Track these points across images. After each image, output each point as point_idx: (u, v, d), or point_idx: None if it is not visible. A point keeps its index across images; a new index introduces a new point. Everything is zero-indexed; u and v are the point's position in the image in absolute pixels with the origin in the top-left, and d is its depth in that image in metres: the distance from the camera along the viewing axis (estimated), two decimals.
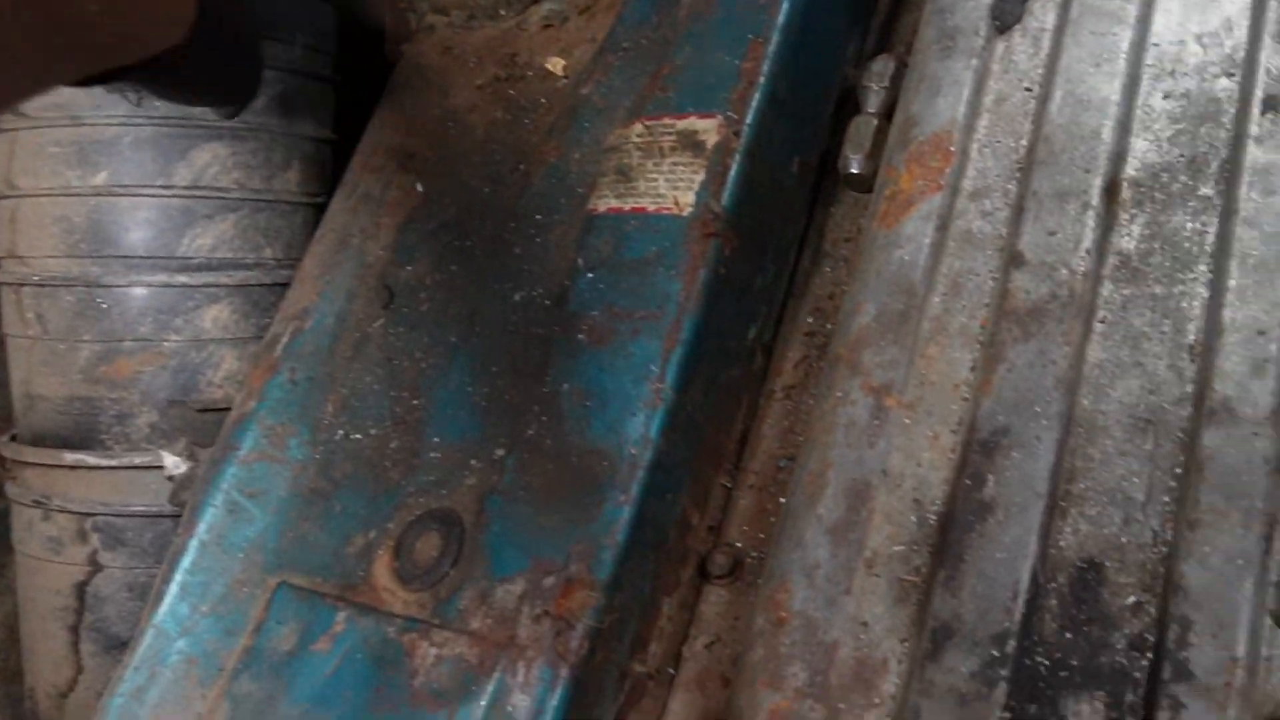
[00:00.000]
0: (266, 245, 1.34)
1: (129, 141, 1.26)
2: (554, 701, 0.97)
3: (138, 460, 1.29)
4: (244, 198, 1.31)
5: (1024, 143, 1.08)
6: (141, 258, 1.28)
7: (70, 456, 1.29)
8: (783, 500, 1.10)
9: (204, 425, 1.26)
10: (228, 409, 1.25)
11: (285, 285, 1.31)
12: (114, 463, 1.29)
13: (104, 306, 1.28)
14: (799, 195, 1.23)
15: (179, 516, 1.21)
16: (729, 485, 1.16)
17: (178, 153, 1.27)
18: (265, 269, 1.33)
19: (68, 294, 1.28)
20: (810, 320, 1.22)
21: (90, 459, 1.29)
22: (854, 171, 1.19)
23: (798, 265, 1.25)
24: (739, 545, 1.13)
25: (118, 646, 1.32)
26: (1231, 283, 0.96)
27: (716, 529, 1.14)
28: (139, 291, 1.28)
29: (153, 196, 1.27)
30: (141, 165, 1.27)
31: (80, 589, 1.33)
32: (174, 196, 1.28)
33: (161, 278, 1.28)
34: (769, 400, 1.20)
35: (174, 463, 1.24)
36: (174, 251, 1.28)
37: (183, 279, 1.28)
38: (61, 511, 1.32)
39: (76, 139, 1.27)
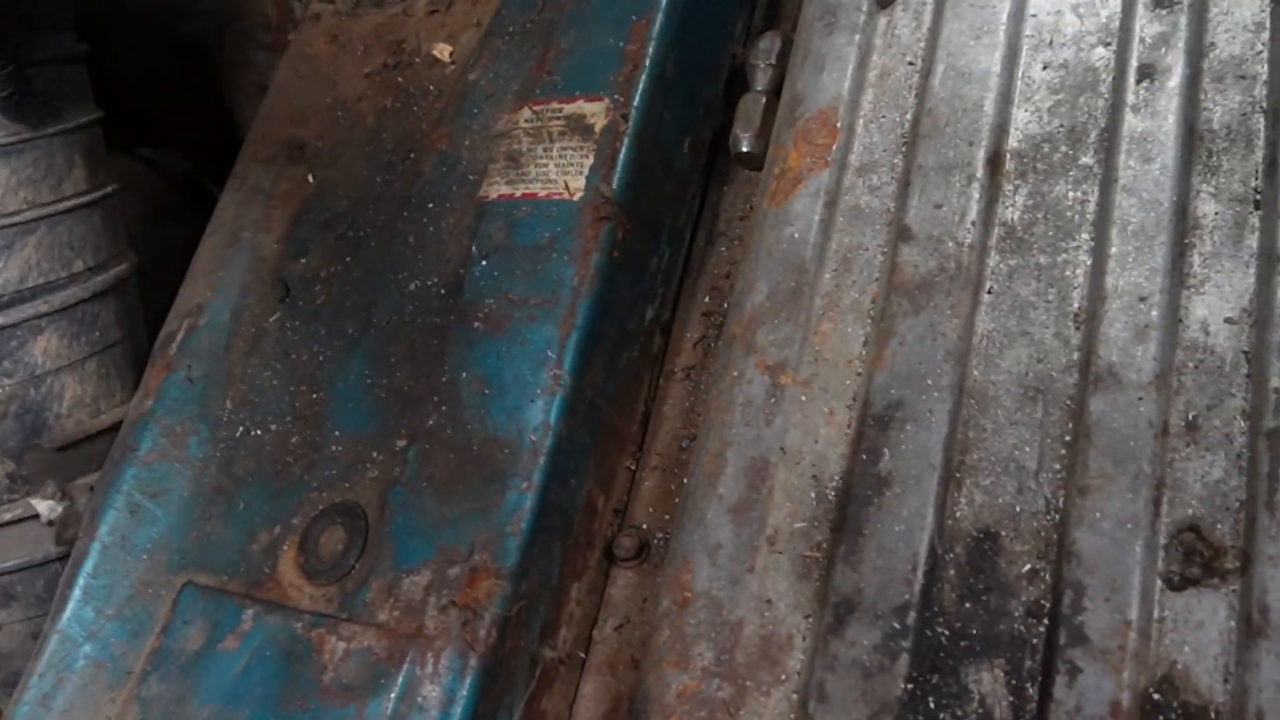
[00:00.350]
0: (76, 257, 1.22)
1: None
2: (464, 691, 0.96)
3: (7, 517, 1.20)
4: (39, 216, 1.19)
5: (908, 117, 1.08)
6: None
7: None
8: (685, 481, 1.09)
9: (66, 463, 1.21)
10: (85, 439, 1.20)
11: (107, 293, 1.23)
12: None
13: None
14: (692, 175, 1.22)
15: (68, 556, 1.17)
16: (633, 467, 1.15)
17: None
18: (82, 283, 1.22)
19: None
20: (707, 300, 1.21)
21: None
22: (745, 150, 1.18)
23: (693, 245, 1.24)
24: (645, 527, 1.12)
25: None
26: (1113, 250, 0.96)
27: (622, 512, 1.14)
28: None
29: None
30: None
31: None
32: None
33: None
34: (669, 380, 1.19)
35: (48, 508, 1.19)
36: None
37: None
38: None
39: None
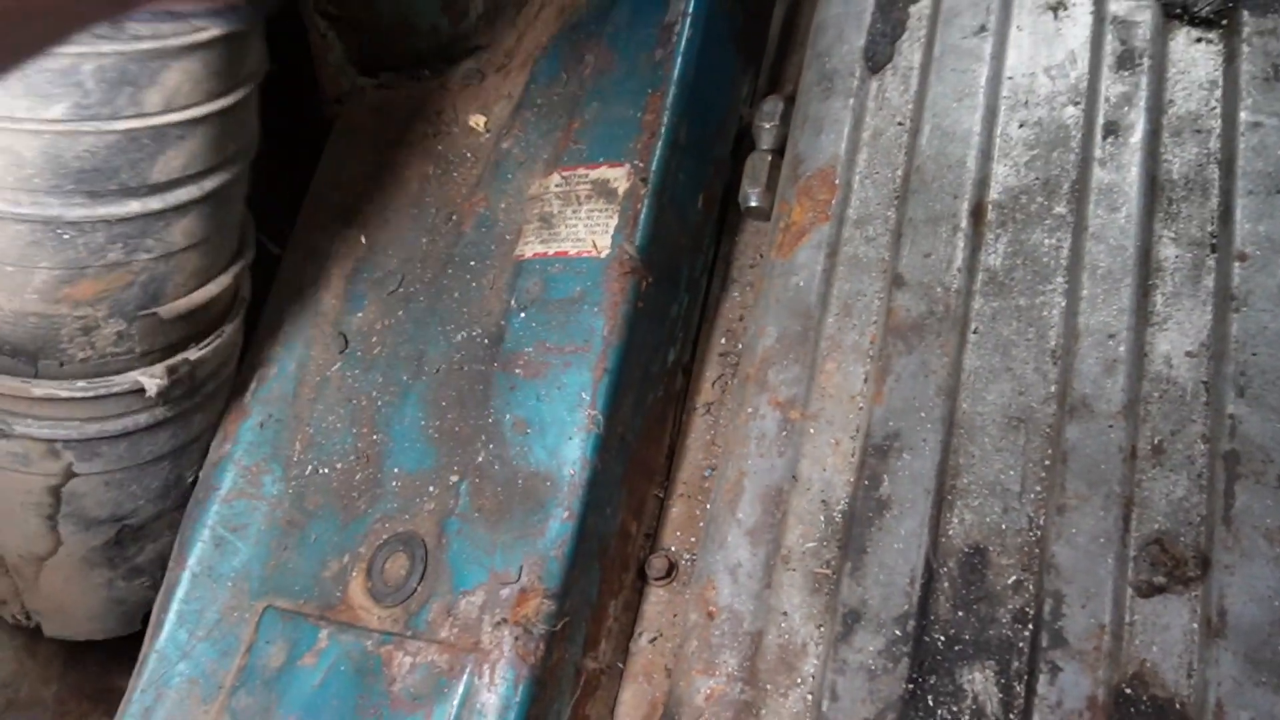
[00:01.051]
0: (230, 144, 1.16)
1: (90, 70, 1.03)
2: (517, 698, 1.04)
3: (115, 388, 1.17)
4: (216, 110, 1.12)
5: (899, 173, 1.16)
6: (110, 191, 1.08)
7: (39, 390, 1.15)
8: (708, 507, 1.17)
9: (173, 331, 1.19)
10: (193, 310, 1.18)
11: (242, 177, 1.20)
12: (88, 394, 1.17)
13: (65, 238, 1.09)
14: (706, 228, 1.30)
15: (151, 427, 1.20)
16: (661, 495, 1.23)
17: (147, 77, 1.06)
18: (228, 170, 1.17)
19: (16, 225, 1.08)
20: (724, 341, 1.29)
21: (62, 391, 1.16)
22: (753, 204, 1.26)
23: (709, 291, 1.32)
24: (673, 549, 1.21)
25: (99, 524, 1.30)
26: (1084, 292, 1.04)
27: (653, 536, 1.22)
28: (106, 221, 1.09)
29: (122, 131, 1.07)
30: (107, 95, 1.05)
31: (55, 491, 1.25)
32: (146, 126, 1.07)
33: (134, 206, 1.10)
34: (691, 416, 1.27)
35: (155, 385, 1.17)
36: (146, 180, 1.09)
37: (155, 204, 1.11)
38: (26, 437, 1.21)
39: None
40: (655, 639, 1.18)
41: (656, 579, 1.19)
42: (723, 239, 1.34)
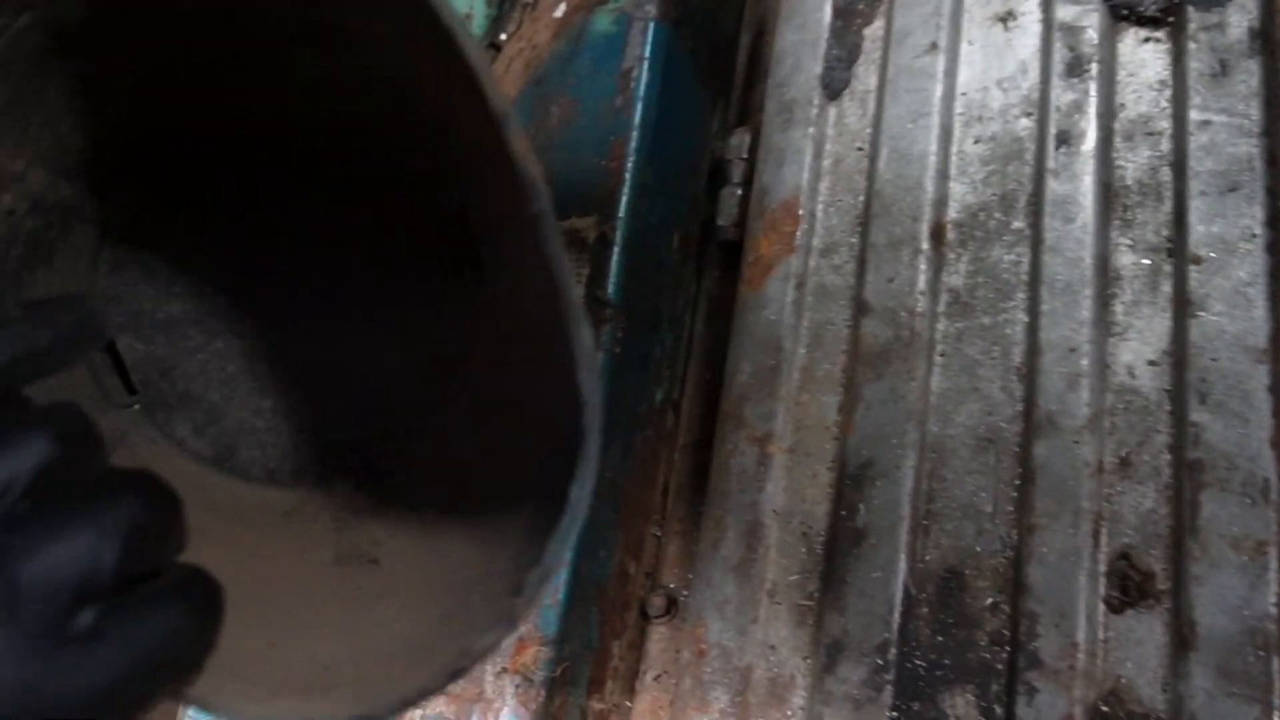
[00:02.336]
0: None
1: None
2: None
3: None
4: None
5: (861, 199, 1.15)
6: None
7: None
8: (695, 546, 1.18)
9: None
10: None
11: None
12: None
13: None
14: (685, 265, 1.31)
15: None
16: (658, 534, 1.24)
17: None
18: None
19: None
20: (709, 375, 1.30)
21: None
22: (727, 239, 1.27)
23: (693, 328, 1.33)
24: (672, 586, 1.22)
25: None
26: (1044, 307, 1.03)
27: (652, 574, 1.23)
28: None
29: None
30: None
31: None
32: None
33: None
34: (683, 453, 1.28)
35: None
36: None
37: None
38: None
39: None
40: (660, 676, 1.19)
41: (657, 617, 1.20)
42: (704, 273, 1.34)
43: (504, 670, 1.09)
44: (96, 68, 0.63)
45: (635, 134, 1.20)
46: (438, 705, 1.11)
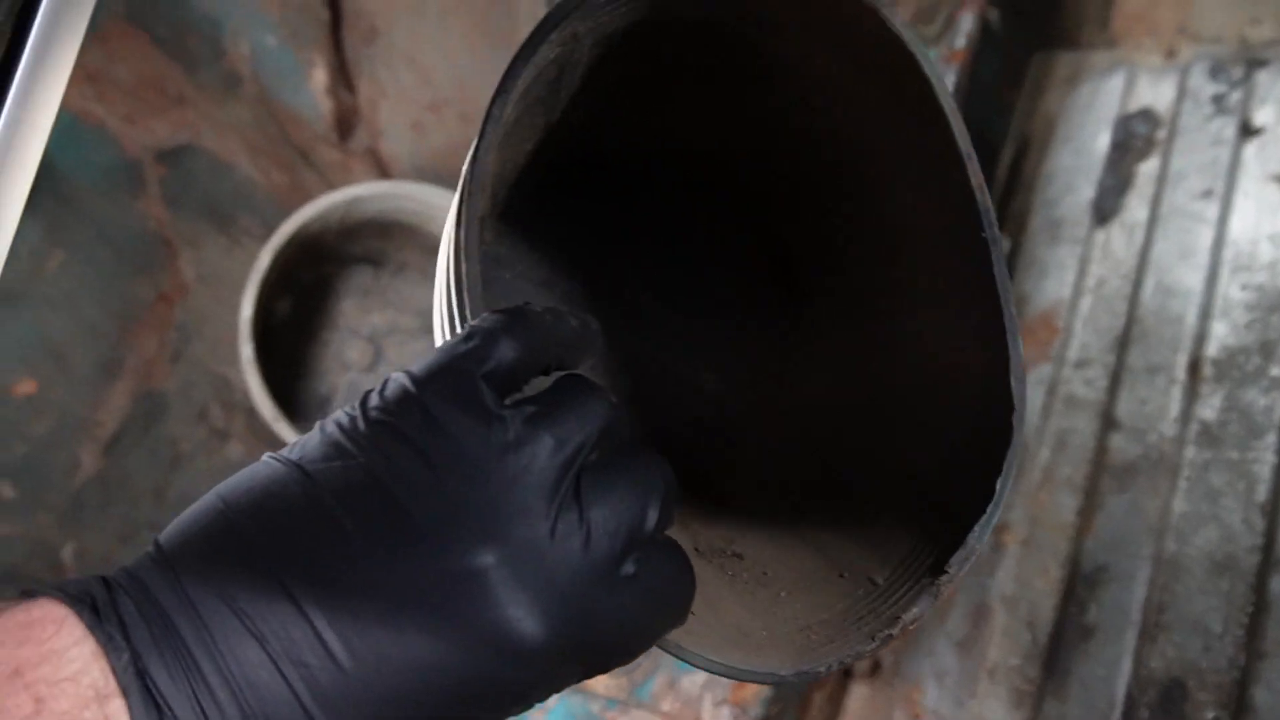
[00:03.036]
0: None
1: None
2: None
3: None
4: None
5: (1121, 322, 1.23)
6: None
7: None
8: None
9: None
10: None
11: None
12: None
13: None
14: None
15: None
16: None
17: None
18: None
19: None
20: None
21: None
22: None
23: None
24: None
25: None
26: None
27: None
28: None
29: None
30: None
31: None
32: None
33: None
34: None
35: None
36: None
37: None
38: None
39: None
40: None
41: (861, 676, 1.27)
42: None
43: (724, 701, 1.16)
44: (591, 95, 0.69)
45: None
46: None
